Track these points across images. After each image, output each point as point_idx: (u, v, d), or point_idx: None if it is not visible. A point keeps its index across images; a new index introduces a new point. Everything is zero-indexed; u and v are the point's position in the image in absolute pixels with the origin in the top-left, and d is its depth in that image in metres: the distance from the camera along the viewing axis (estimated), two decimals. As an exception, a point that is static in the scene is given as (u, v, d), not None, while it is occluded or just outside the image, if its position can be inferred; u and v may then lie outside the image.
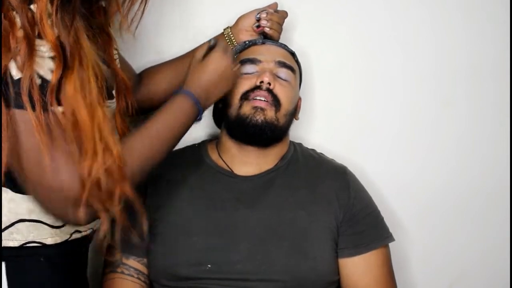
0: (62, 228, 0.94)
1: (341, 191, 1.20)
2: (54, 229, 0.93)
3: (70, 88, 0.83)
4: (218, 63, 1.09)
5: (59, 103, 0.83)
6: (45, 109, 0.82)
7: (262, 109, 1.15)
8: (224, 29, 1.29)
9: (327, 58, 1.42)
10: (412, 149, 1.43)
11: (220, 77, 1.09)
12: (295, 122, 1.28)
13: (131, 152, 0.91)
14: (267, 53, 1.22)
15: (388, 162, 1.43)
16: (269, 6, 1.29)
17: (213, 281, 1.12)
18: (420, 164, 1.44)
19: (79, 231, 0.98)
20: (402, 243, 1.36)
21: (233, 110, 1.18)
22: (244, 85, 1.18)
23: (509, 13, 1.38)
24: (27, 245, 0.91)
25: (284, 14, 1.30)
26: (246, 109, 1.16)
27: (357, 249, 1.17)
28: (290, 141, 1.28)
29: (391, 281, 1.21)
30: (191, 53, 1.23)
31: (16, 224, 0.90)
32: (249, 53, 1.23)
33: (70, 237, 0.96)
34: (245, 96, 1.17)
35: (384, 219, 1.25)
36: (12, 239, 0.90)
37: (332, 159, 1.31)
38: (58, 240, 0.94)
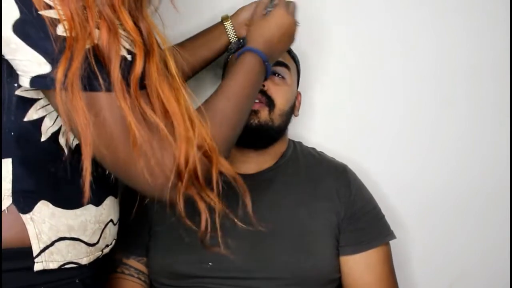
0: (97, 245, 0.89)
1: (341, 189, 1.20)
2: (90, 247, 0.88)
3: (153, 72, 0.77)
4: (281, 19, 1.06)
5: (144, 88, 0.77)
6: (133, 93, 0.75)
7: (256, 112, 1.15)
8: (223, 19, 1.26)
9: (327, 57, 1.42)
10: (412, 149, 1.43)
11: (283, 34, 1.06)
12: (295, 120, 1.28)
13: (220, 121, 0.86)
14: None
15: (388, 162, 1.43)
16: None
17: (213, 280, 1.12)
18: (420, 164, 1.43)
19: (108, 245, 0.94)
20: (402, 243, 1.37)
21: None
22: None
23: (509, 13, 1.38)
24: (65, 266, 0.84)
25: (294, 6, 1.23)
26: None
27: (358, 247, 1.17)
28: (290, 140, 1.29)
29: (392, 279, 1.21)
30: (201, 35, 1.25)
31: (56, 243, 0.82)
32: None
33: (101, 254, 0.92)
34: None
35: (384, 215, 1.26)
36: (52, 260, 0.82)
37: (332, 158, 1.31)
38: (91, 259, 0.89)
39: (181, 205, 0.77)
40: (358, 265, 1.17)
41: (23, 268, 0.80)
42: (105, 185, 0.89)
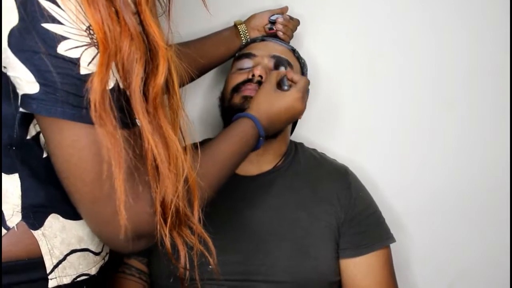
0: (101, 254, 0.87)
1: (342, 192, 1.20)
2: (96, 256, 0.85)
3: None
4: (293, 103, 1.06)
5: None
6: (128, 125, 0.70)
7: (246, 98, 1.14)
8: (238, 23, 1.31)
9: (327, 58, 1.43)
10: (412, 149, 1.43)
11: (289, 117, 1.06)
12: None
13: (204, 175, 0.83)
14: (263, 48, 1.24)
15: (387, 163, 1.43)
16: (281, 9, 1.33)
17: (214, 282, 1.11)
18: (420, 165, 1.44)
19: (107, 253, 0.91)
20: (402, 243, 1.37)
21: (225, 103, 1.19)
22: (237, 79, 1.19)
23: (509, 13, 1.38)
24: (77, 279, 0.81)
25: (297, 23, 1.35)
26: (236, 99, 1.16)
27: (358, 250, 1.17)
28: (291, 141, 1.29)
29: (392, 282, 1.21)
30: (213, 35, 1.29)
31: (68, 257, 0.80)
32: (247, 49, 1.25)
33: (104, 262, 0.89)
34: (236, 89, 1.17)
35: (384, 219, 1.26)
36: (65, 275, 0.79)
37: (334, 159, 1.31)
38: (98, 268, 0.86)
39: (167, 244, 0.75)
40: (358, 269, 1.17)
41: (39, 279, 0.78)
42: None
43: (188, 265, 0.81)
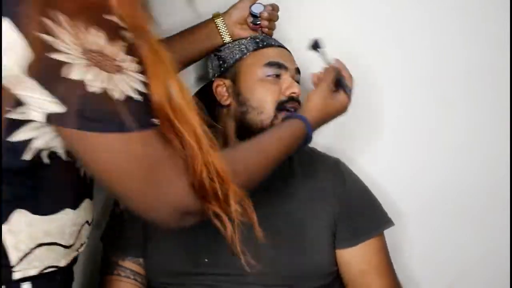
0: (73, 246, 0.90)
1: (336, 183, 1.21)
2: (67, 249, 0.89)
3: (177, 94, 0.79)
4: (343, 106, 1.13)
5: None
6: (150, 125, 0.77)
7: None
8: (215, 16, 1.23)
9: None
10: (411, 149, 1.43)
11: (335, 117, 1.14)
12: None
13: (241, 163, 0.90)
14: (288, 59, 1.23)
15: (387, 163, 1.43)
16: None
17: (210, 277, 1.13)
18: (420, 165, 1.43)
19: (82, 244, 0.95)
20: (402, 243, 1.37)
21: (265, 118, 1.17)
22: (274, 93, 1.18)
23: (509, 13, 1.37)
24: (45, 271, 0.85)
25: (278, 10, 1.27)
26: (279, 120, 1.16)
27: (354, 240, 1.18)
28: None
29: (389, 267, 1.21)
30: (189, 33, 1.23)
31: (34, 250, 0.83)
32: (271, 56, 1.21)
33: (77, 253, 0.93)
34: (281, 107, 1.18)
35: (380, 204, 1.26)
36: (32, 267, 0.83)
37: (324, 153, 1.31)
38: (69, 260, 0.90)
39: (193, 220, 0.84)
40: (355, 257, 1.18)
41: (2, 265, 0.81)
42: (82, 188, 0.91)
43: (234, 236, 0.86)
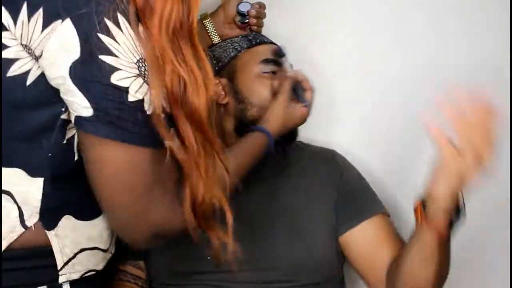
0: (109, 249, 0.94)
1: (332, 173, 1.23)
2: (105, 253, 0.92)
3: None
4: (301, 120, 1.18)
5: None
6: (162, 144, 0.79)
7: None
8: (203, 17, 1.22)
9: (327, 56, 1.42)
10: (410, 150, 1.43)
11: (293, 127, 1.19)
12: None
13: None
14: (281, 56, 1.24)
15: (386, 162, 1.44)
16: None
17: (212, 275, 1.13)
18: (418, 164, 1.42)
19: (114, 246, 0.97)
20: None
21: (264, 114, 1.18)
22: (272, 89, 1.20)
23: (509, 12, 1.37)
24: (85, 275, 0.88)
25: (264, 7, 1.28)
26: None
27: (355, 219, 1.19)
28: None
29: (395, 242, 1.21)
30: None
31: (78, 255, 0.87)
32: (266, 53, 1.23)
33: (111, 256, 0.96)
34: None
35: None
36: (74, 271, 0.87)
37: (320, 147, 1.33)
38: (105, 263, 0.93)
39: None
40: (358, 237, 1.19)
41: (48, 266, 0.84)
42: None
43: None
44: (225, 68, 1.23)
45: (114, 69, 0.73)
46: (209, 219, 0.83)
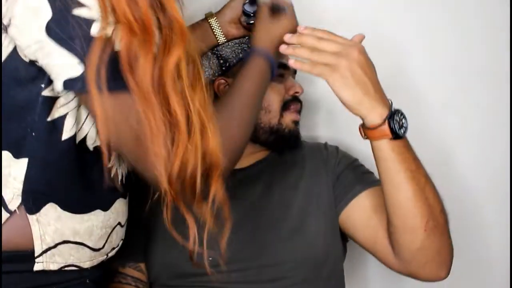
0: (102, 250, 0.91)
1: (326, 161, 1.24)
2: (94, 252, 0.89)
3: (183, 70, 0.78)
4: (291, 23, 1.08)
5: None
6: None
7: (298, 122, 1.23)
8: (208, 16, 1.21)
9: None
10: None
11: (284, 33, 1.07)
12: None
13: (239, 123, 0.90)
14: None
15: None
16: None
17: (214, 277, 1.11)
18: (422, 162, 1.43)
19: (114, 248, 0.95)
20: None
21: (273, 117, 1.20)
22: (280, 93, 1.21)
23: (509, 12, 1.37)
24: (65, 268, 0.86)
25: None
26: (287, 121, 1.21)
27: (351, 194, 1.18)
28: None
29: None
30: (197, 26, 1.21)
31: (59, 246, 0.85)
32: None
33: (106, 257, 0.94)
34: (286, 107, 1.21)
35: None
36: (53, 262, 0.84)
37: (313, 142, 1.34)
38: (95, 263, 0.91)
39: (167, 213, 0.80)
40: (356, 212, 1.17)
41: (25, 271, 0.82)
42: (114, 188, 0.90)
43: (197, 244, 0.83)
44: (232, 68, 1.22)
45: (91, 20, 0.71)
46: (188, 189, 0.77)
